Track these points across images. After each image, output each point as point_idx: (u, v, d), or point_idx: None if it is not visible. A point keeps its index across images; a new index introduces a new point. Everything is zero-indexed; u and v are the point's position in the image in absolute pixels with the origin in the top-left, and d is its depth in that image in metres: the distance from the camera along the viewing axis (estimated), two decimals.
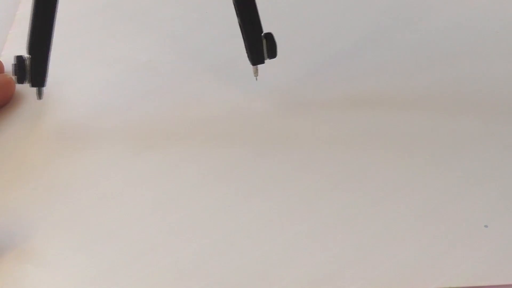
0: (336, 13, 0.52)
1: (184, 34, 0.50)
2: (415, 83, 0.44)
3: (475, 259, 0.33)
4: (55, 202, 0.37)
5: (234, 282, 0.32)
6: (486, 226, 0.34)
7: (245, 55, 0.42)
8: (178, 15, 0.52)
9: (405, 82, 0.44)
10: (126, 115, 0.43)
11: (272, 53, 0.41)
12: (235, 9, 0.41)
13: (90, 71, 0.46)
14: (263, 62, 0.42)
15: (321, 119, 0.42)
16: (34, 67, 0.39)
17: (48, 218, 0.36)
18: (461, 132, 0.40)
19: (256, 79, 0.43)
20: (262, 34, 0.41)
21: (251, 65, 0.42)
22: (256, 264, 0.33)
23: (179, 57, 0.48)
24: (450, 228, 0.34)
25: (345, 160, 0.39)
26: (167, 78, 0.46)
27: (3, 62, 0.46)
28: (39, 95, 0.40)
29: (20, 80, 0.39)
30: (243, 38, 0.41)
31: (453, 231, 0.34)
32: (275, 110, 0.42)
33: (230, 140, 0.40)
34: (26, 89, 0.45)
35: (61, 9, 0.53)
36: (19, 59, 0.39)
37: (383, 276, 0.32)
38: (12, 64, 0.39)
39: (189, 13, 0.52)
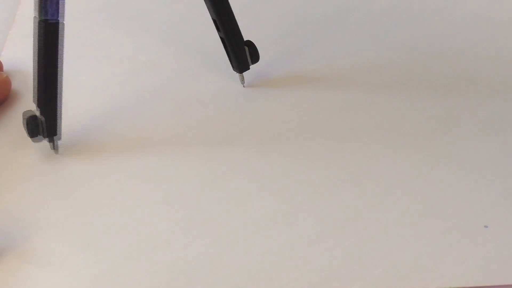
0: None
1: (184, 34, 0.50)
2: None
3: (475, 259, 0.33)
4: (55, 202, 0.37)
5: (234, 282, 0.32)
6: (486, 226, 0.34)
7: None
8: (178, 15, 0.52)
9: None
10: (126, 115, 0.43)
11: (256, 58, 0.44)
12: (217, 25, 0.42)
13: (89, 71, 0.46)
14: (248, 68, 0.44)
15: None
16: (46, 122, 0.38)
17: (48, 218, 0.36)
18: (461, 132, 0.40)
19: (244, 86, 0.44)
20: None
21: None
22: (256, 264, 0.33)
23: (179, 57, 0.48)
24: (450, 228, 0.34)
25: (341, 154, 0.39)
26: (167, 77, 0.46)
27: (2, 62, 0.46)
28: (55, 147, 0.39)
29: (33, 135, 0.38)
30: (227, 51, 0.43)
31: (453, 231, 0.34)
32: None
33: (231, 141, 0.41)
34: (23, 88, 0.45)
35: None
36: (33, 119, 0.38)
37: (383, 276, 0.32)
38: (23, 122, 0.38)
39: (189, 13, 0.52)
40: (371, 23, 0.50)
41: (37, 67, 0.37)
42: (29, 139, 0.38)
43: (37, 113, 0.38)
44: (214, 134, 0.41)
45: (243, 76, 0.44)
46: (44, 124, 0.38)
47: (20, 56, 0.48)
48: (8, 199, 0.37)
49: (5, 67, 0.46)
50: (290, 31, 0.50)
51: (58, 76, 0.37)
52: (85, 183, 0.38)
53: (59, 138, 0.39)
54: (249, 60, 0.43)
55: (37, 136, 0.38)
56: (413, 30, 0.49)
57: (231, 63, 0.44)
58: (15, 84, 0.45)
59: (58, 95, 0.38)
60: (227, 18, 0.42)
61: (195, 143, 0.40)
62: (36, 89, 0.37)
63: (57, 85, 0.38)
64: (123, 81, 0.45)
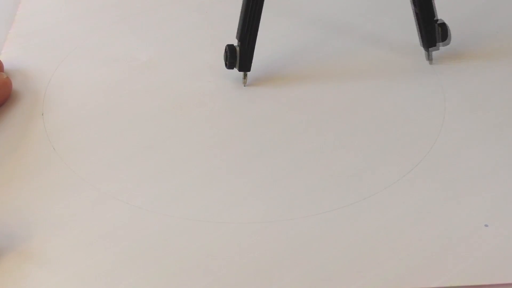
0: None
1: (184, 34, 0.50)
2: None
3: (475, 258, 0.33)
4: (55, 202, 0.37)
5: (234, 281, 0.32)
6: (486, 225, 0.34)
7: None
8: (178, 15, 0.52)
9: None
10: (125, 115, 0.43)
11: (445, 39, 0.45)
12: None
13: (89, 70, 0.46)
14: (434, 45, 0.45)
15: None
16: (243, 54, 0.43)
17: (48, 218, 0.36)
18: (461, 131, 0.40)
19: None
20: (437, 21, 0.45)
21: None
22: (255, 263, 0.33)
23: (179, 57, 0.48)
24: (450, 228, 0.34)
25: (341, 152, 0.39)
26: (167, 77, 0.46)
27: (2, 62, 0.46)
28: (245, 79, 0.44)
29: (230, 66, 0.43)
30: (418, 25, 0.45)
31: (453, 231, 0.34)
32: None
33: (231, 141, 0.41)
34: (23, 88, 0.45)
35: (61, 9, 0.54)
36: (231, 47, 0.43)
37: (383, 276, 0.32)
38: (224, 52, 0.43)
39: (189, 13, 0.52)
40: (372, 24, 0.50)
41: (243, 9, 0.42)
42: (29, 139, 0.38)
43: (238, 50, 0.43)
44: (213, 134, 0.41)
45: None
46: (240, 59, 0.43)
47: (20, 56, 0.48)
48: (8, 199, 0.37)
49: (5, 67, 0.46)
50: (292, 31, 0.50)
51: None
52: (86, 183, 0.38)
53: (249, 71, 0.44)
54: (438, 38, 0.45)
55: (232, 68, 0.44)
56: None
57: (420, 39, 0.46)
58: (15, 84, 0.45)
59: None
60: None
61: (194, 143, 0.40)
62: (240, 25, 0.43)
63: (257, 30, 0.43)
64: (123, 81, 0.45)
